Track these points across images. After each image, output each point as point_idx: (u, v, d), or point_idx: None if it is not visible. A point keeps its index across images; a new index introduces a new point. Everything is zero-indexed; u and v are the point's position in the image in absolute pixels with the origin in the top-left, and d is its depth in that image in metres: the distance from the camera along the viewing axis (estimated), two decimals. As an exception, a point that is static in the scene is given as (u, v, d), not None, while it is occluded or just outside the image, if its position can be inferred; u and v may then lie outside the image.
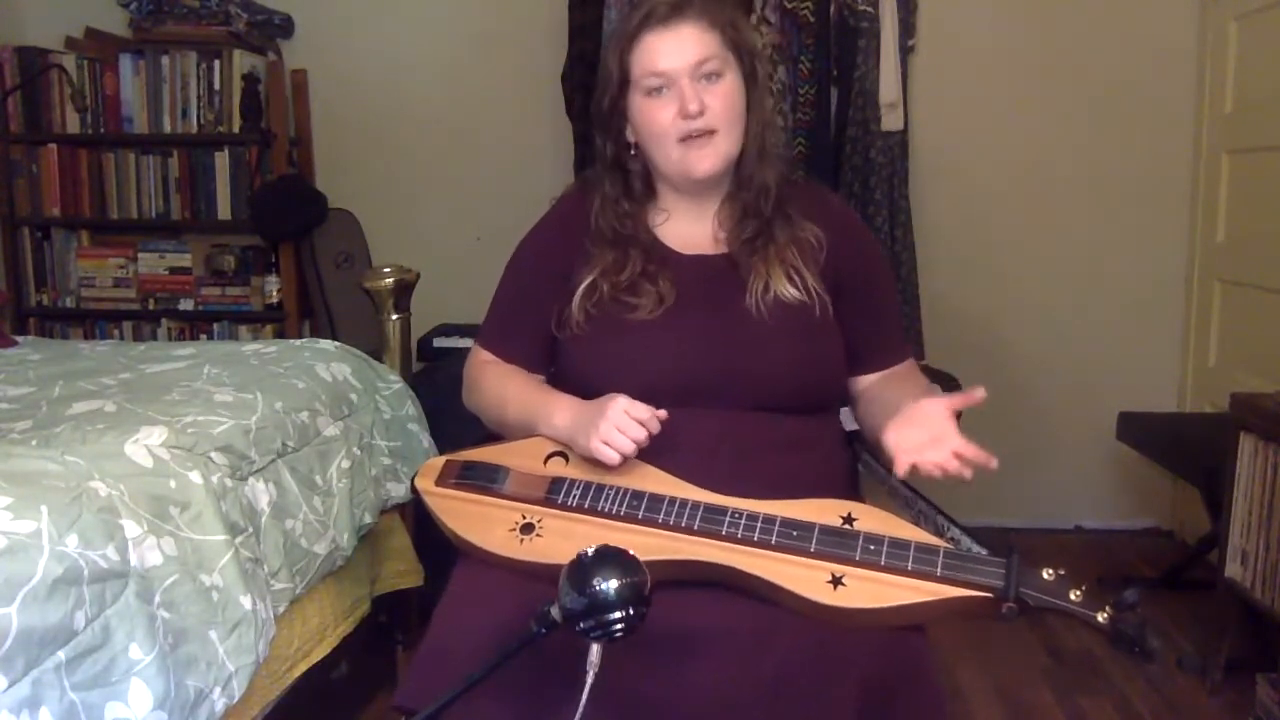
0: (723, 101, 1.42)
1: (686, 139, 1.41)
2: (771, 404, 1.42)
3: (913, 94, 3.11)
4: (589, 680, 1.06)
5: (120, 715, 1.16)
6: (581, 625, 1.05)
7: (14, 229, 3.33)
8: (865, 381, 1.53)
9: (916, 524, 1.31)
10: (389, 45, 3.38)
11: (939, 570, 1.20)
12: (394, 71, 3.38)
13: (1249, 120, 2.90)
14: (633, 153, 1.49)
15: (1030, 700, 2.26)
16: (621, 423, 1.29)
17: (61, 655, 1.10)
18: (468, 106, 3.37)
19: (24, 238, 3.36)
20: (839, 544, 1.23)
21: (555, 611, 1.07)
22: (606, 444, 1.30)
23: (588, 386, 1.44)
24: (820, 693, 1.16)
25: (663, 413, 1.31)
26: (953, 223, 3.21)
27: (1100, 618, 1.14)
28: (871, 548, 1.22)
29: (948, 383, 2.83)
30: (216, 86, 3.20)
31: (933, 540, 1.24)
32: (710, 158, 1.42)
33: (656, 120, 1.42)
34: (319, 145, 3.37)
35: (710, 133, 1.41)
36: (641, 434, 1.29)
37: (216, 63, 3.19)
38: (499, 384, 1.51)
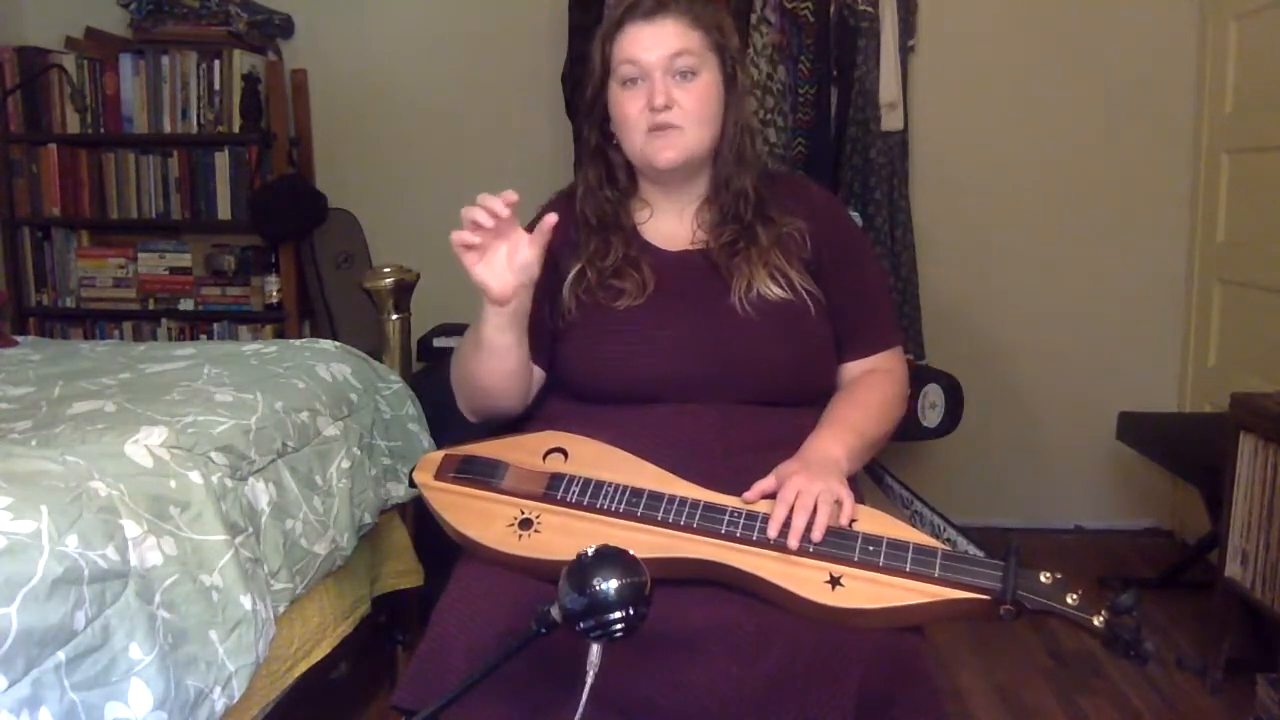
0: (693, 99, 1.44)
1: (652, 130, 1.44)
2: (764, 398, 1.44)
3: (913, 94, 3.11)
4: (589, 680, 1.06)
5: (120, 715, 1.16)
6: (581, 625, 1.05)
7: (14, 229, 3.34)
8: (852, 371, 1.53)
9: (912, 524, 1.32)
10: (389, 45, 3.38)
11: (937, 572, 1.20)
12: (394, 72, 3.38)
13: (1249, 120, 2.90)
14: (614, 143, 1.51)
15: (1030, 701, 2.26)
16: (465, 211, 1.32)
17: (61, 655, 1.10)
18: (468, 106, 3.37)
19: (24, 238, 3.36)
20: (837, 544, 1.23)
21: (555, 611, 1.07)
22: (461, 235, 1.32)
23: (583, 383, 1.46)
24: (818, 693, 1.15)
25: (513, 196, 1.33)
26: (953, 222, 3.21)
27: (1096, 621, 1.14)
28: (870, 548, 1.22)
29: (948, 382, 2.83)
30: (216, 86, 3.20)
31: (931, 542, 1.24)
32: (672, 149, 1.45)
33: (627, 110, 1.45)
34: (319, 145, 3.37)
35: (675, 127, 1.44)
36: (479, 213, 1.30)
37: (216, 63, 3.19)
38: (464, 341, 1.52)
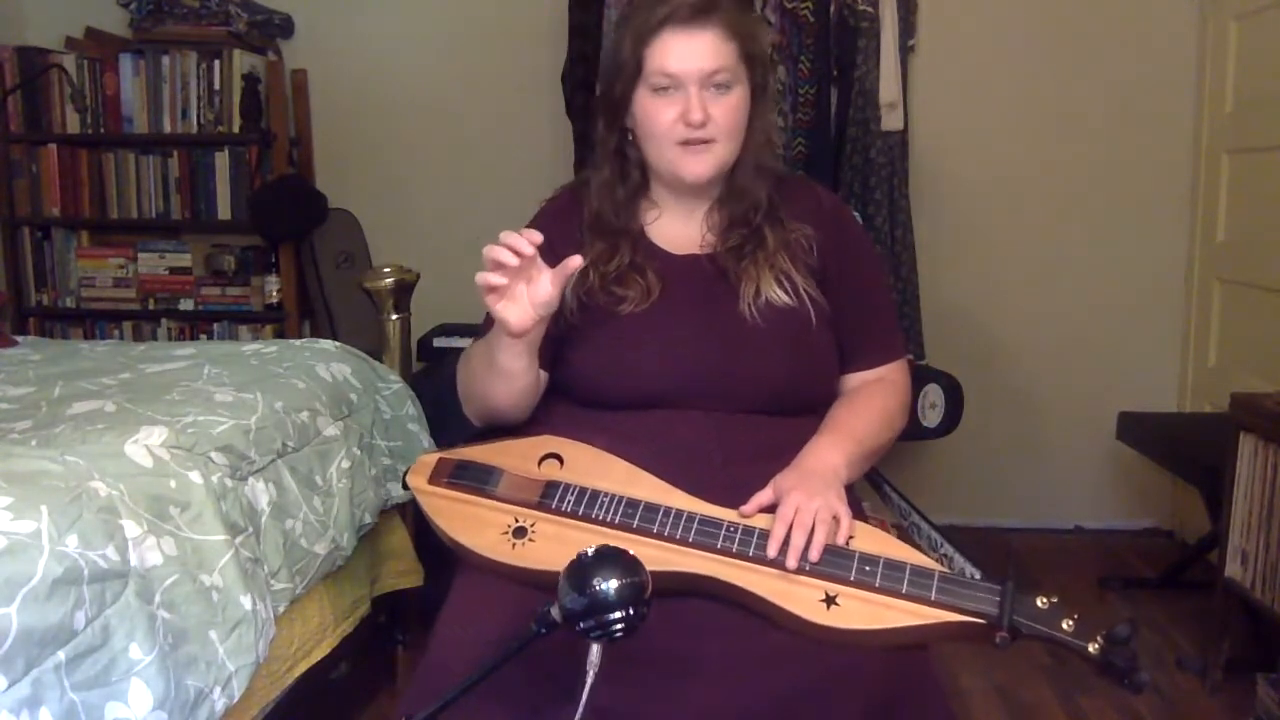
0: (727, 114, 1.42)
1: (685, 143, 1.42)
2: (765, 407, 1.42)
3: (913, 94, 3.11)
4: (589, 680, 1.06)
5: (120, 715, 1.16)
6: (581, 625, 1.05)
7: (14, 229, 3.33)
8: (854, 382, 1.52)
9: (909, 536, 1.31)
10: (389, 45, 3.38)
11: (933, 594, 1.19)
12: (394, 71, 3.38)
13: (1249, 120, 2.90)
14: (632, 141, 1.49)
15: (1030, 700, 2.26)
16: (488, 251, 1.29)
17: (61, 655, 1.10)
18: (468, 106, 3.37)
19: (24, 238, 3.36)
20: (834, 563, 1.22)
21: (555, 612, 1.07)
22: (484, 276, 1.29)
23: (584, 389, 1.45)
24: (824, 710, 1.15)
25: (537, 237, 1.30)
26: (953, 223, 3.21)
27: (1091, 649, 1.14)
28: (867, 569, 1.21)
29: (948, 382, 2.83)
30: (216, 86, 3.20)
31: (928, 563, 1.23)
32: (704, 164, 1.43)
33: (659, 119, 1.42)
34: (319, 145, 3.37)
35: (709, 141, 1.42)
36: (503, 252, 1.27)
37: (216, 63, 3.19)
38: (472, 354, 1.51)
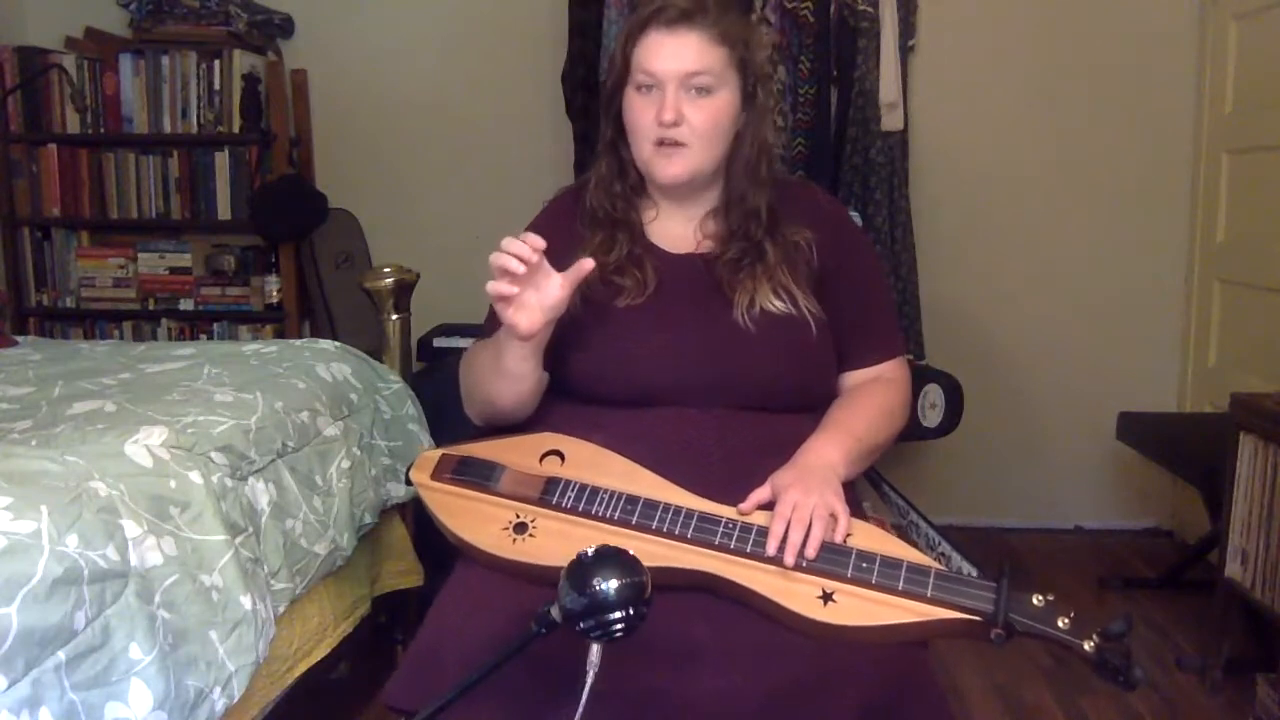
0: (704, 117, 1.41)
1: (659, 143, 1.42)
2: (761, 402, 1.42)
3: (913, 94, 3.11)
4: (589, 680, 1.06)
5: (120, 715, 1.16)
6: (581, 625, 1.05)
7: (14, 229, 3.33)
8: (854, 380, 1.52)
9: (907, 534, 1.31)
10: (389, 45, 3.38)
11: (929, 591, 1.19)
12: (394, 71, 3.38)
13: (1249, 120, 2.90)
14: (627, 141, 1.50)
15: (1030, 700, 2.26)
16: (494, 259, 1.30)
17: (61, 655, 1.10)
18: (468, 106, 3.37)
19: (24, 238, 3.35)
20: (831, 560, 1.22)
21: (555, 611, 1.07)
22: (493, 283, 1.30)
23: (582, 386, 1.46)
24: (820, 705, 1.15)
25: (540, 242, 1.30)
26: (953, 223, 3.21)
27: (1086, 646, 1.14)
28: (864, 565, 1.21)
29: (948, 382, 2.83)
30: (216, 86, 3.20)
31: (924, 560, 1.23)
32: (675, 166, 1.43)
33: (637, 117, 1.43)
34: (319, 145, 3.37)
35: (681, 145, 1.42)
36: (510, 260, 1.28)
37: (216, 63, 3.19)
38: (476, 356, 1.51)
